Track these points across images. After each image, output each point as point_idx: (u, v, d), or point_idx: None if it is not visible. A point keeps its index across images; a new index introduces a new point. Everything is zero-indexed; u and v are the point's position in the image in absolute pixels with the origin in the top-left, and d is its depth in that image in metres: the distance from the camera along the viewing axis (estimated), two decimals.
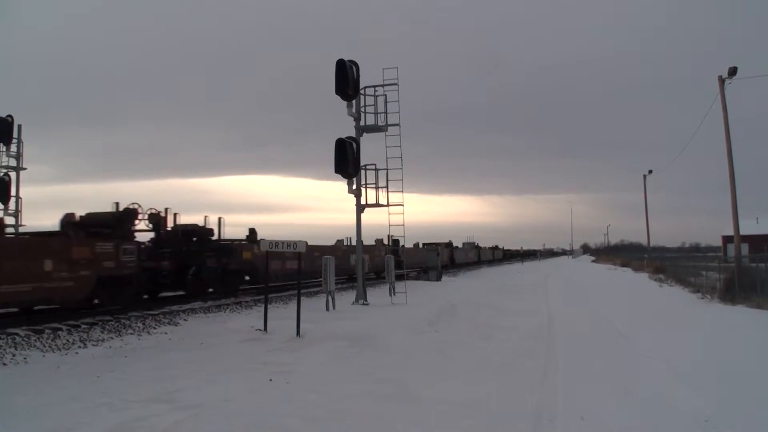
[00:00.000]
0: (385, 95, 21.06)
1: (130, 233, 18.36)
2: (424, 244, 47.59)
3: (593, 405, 7.81)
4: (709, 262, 33.78)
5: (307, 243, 14.58)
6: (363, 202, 20.94)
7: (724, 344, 13.27)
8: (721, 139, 27.90)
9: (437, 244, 49.53)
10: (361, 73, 20.71)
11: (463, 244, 73.38)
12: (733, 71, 27.46)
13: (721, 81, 27.94)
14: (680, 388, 8.86)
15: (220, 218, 23.29)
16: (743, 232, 30.16)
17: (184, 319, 16.30)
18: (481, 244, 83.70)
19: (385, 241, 36.68)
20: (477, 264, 71.93)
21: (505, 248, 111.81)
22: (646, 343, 12.93)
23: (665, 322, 17.15)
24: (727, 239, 75.34)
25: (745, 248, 38.51)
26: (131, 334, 13.79)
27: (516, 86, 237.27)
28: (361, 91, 20.92)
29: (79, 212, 17.46)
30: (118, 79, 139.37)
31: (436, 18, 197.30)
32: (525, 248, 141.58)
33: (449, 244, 57.52)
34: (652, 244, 71.24)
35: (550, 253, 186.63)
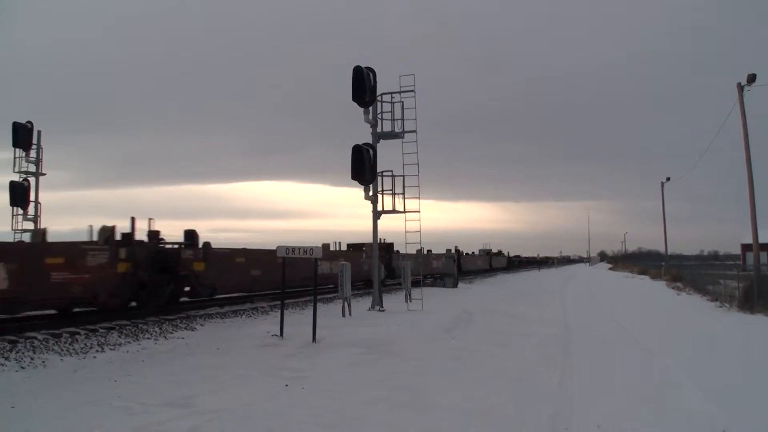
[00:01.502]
0: (402, 102, 21.05)
1: None
2: (348, 246, 35.57)
3: (609, 414, 7.76)
4: (728, 270, 33.50)
5: (322, 248, 14.52)
6: (380, 208, 20.93)
7: (742, 353, 13.17)
8: (740, 145, 27.74)
9: (361, 245, 35.45)
10: (378, 79, 20.74)
11: (460, 250, 56.98)
12: (752, 78, 27.33)
13: (740, 88, 27.80)
14: (697, 397, 8.79)
15: None
16: (762, 240, 29.92)
17: (201, 324, 16.39)
18: (479, 251, 69.92)
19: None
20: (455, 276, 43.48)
21: (510, 254, 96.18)
22: (663, 352, 12.84)
23: (683, 331, 17.03)
24: (746, 247, 74.61)
25: (764, 256, 38.22)
26: (148, 338, 13.88)
27: (532, 93, 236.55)
28: (378, 98, 20.93)
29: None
30: (137, 86, 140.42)
31: (452, 25, 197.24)
32: (542, 255, 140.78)
33: (387, 247, 35.95)
34: (670, 252, 71.04)
35: (567, 261, 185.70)
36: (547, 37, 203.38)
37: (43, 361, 11.04)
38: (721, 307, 24.13)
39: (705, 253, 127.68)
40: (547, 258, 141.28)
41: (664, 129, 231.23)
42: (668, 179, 64.26)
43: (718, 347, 13.95)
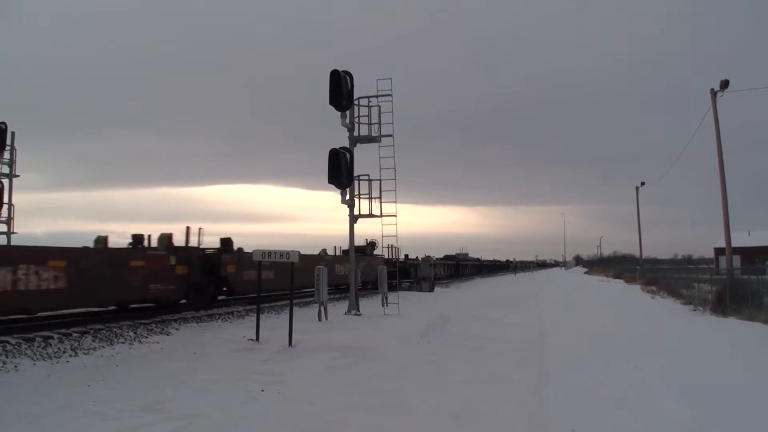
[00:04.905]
0: (379, 106, 21.11)
1: None
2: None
3: (585, 417, 7.80)
4: (701, 274, 33.88)
5: (299, 253, 14.56)
6: (356, 212, 20.94)
7: (716, 356, 13.30)
8: (713, 151, 28.09)
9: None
10: (354, 83, 20.76)
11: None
12: (725, 84, 27.69)
13: (713, 94, 28.16)
14: (672, 400, 8.86)
15: None
16: (735, 244, 30.34)
17: (176, 329, 16.24)
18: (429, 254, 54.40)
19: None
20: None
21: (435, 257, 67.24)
22: (638, 355, 12.94)
23: (658, 334, 17.17)
24: (719, 251, 75.72)
25: (736, 260, 38.79)
26: (123, 343, 13.73)
27: (508, 97, 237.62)
28: (355, 102, 20.96)
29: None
30: (110, 88, 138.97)
31: (429, 28, 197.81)
32: (518, 259, 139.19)
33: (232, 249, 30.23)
34: (644, 256, 71.75)
35: (543, 265, 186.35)
36: (527, 41, 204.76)
37: (16, 366, 10.88)
38: (695, 310, 24.38)
39: (679, 257, 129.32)
40: (507, 263, 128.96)
41: (640, 132, 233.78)
42: (643, 184, 64.99)
43: (693, 350, 14.09)
